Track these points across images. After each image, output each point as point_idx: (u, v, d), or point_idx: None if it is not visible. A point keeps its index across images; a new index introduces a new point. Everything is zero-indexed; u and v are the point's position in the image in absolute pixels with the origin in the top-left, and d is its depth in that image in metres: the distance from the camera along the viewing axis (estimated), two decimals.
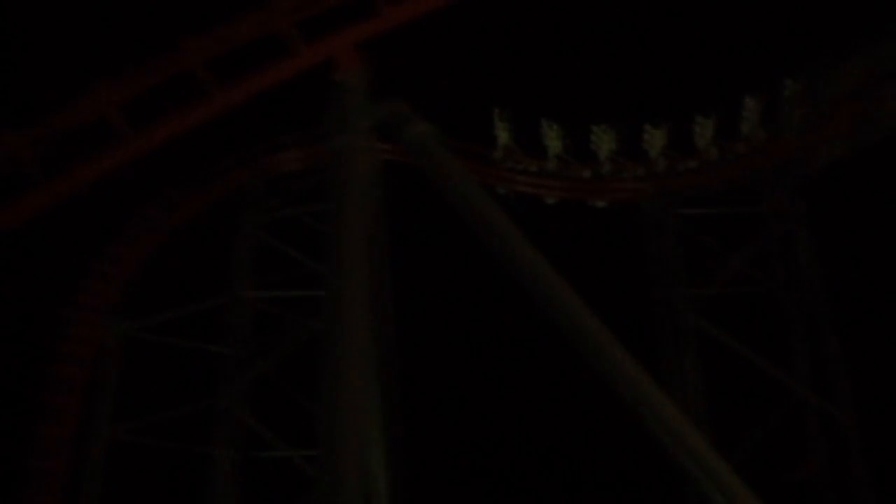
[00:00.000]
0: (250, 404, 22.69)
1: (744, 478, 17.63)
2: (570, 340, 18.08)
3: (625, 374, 17.99)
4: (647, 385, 18.06)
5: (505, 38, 27.98)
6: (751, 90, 24.42)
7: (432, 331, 25.25)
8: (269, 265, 23.51)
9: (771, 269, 24.34)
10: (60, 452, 22.07)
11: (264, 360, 22.66)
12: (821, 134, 23.92)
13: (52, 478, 21.93)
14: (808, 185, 24.76)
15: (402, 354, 22.46)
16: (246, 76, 19.18)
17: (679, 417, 18.19)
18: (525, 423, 25.85)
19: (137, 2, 25.82)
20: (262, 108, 20.83)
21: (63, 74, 24.16)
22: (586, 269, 20.93)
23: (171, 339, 22.97)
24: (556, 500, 25.24)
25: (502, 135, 24.82)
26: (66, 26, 26.47)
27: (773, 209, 24.59)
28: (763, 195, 24.67)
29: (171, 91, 19.24)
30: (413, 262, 23.66)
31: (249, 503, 22.38)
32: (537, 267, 18.44)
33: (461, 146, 22.82)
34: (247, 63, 19.68)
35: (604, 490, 25.05)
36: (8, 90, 24.50)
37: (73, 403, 22.04)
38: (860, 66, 23.48)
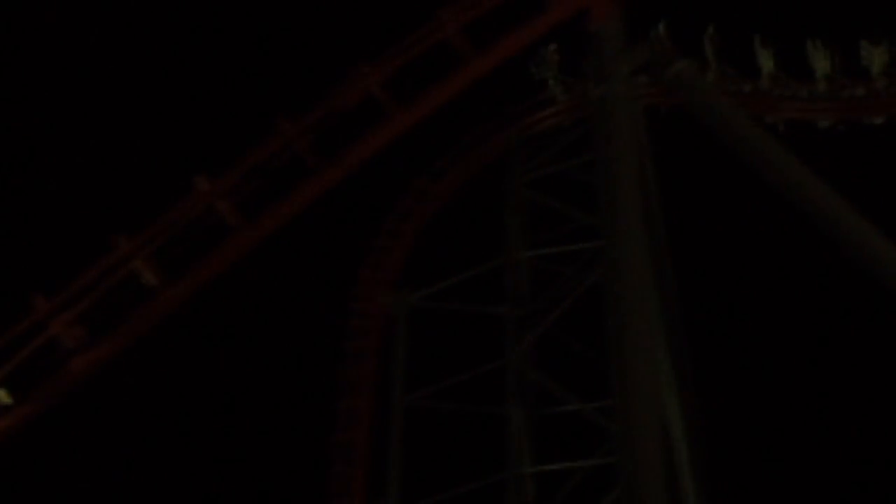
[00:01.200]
0: (537, 361, 22.87)
1: None
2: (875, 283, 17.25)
3: None
4: None
5: None
6: None
7: (710, 277, 24.96)
8: (541, 222, 23.61)
9: None
10: (361, 424, 22.92)
11: (546, 317, 22.78)
12: None
13: (357, 449, 22.83)
14: None
15: (683, 300, 22.36)
16: (501, 38, 19.31)
17: None
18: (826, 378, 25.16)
19: None
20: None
21: (321, 61, 24.80)
22: (872, 198, 20.16)
23: (453, 305, 23.45)
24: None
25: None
26: (318, 19, 27.18)
27: None
28: None
29: (428, 63, 19.57)
30: (685, 208, 23.41)
31: (545, 460, 22.57)
32: (826, 198, 17.77)
33: (725, 79, 22.41)
34: (497, 26, 19.80)
35: None
36: (273, 80, 25.43)
37: (368, 376, 22.84)
38: None
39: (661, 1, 22.46)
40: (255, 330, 26.14)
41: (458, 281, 23.39)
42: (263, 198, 19.27)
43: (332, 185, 19.23)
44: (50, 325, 17.92)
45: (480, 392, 23.19)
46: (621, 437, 21.15)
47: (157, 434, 25.58)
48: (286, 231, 19.46)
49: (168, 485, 25.26)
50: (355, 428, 23.11)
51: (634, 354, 18.59)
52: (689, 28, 22.07)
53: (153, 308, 18.62)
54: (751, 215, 25.14)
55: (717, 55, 23.21)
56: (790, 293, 25.75)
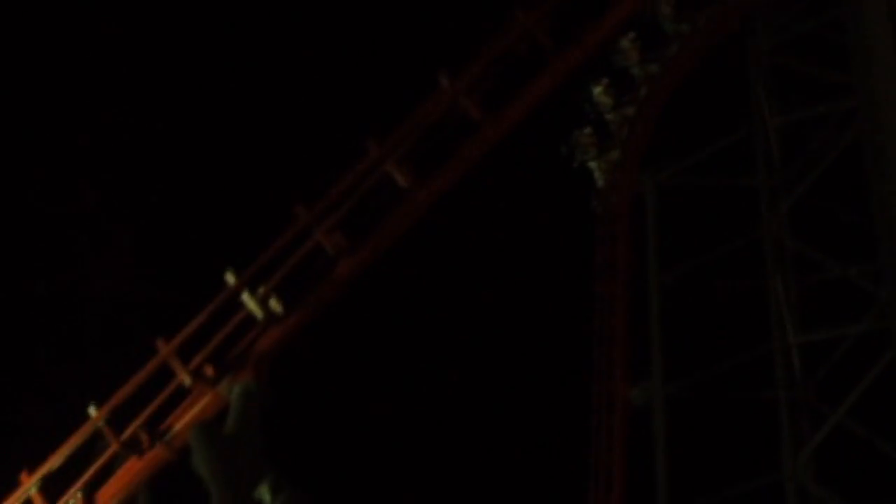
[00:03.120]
0: (795, 230, 22.30)
1: None
2: None
3: None
4: None
5: None
6: None
7: None
8: (787, 86, 22.83)
9: None
10: (617, 309, 23.00)
11: (801, 183, 22.12)
12: None
13: (615, 333, 22.93)
14: None
15: None
16: None
17: None
18: None
19: None
20: None
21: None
22: None
23: (703, 179, 23.06)
24: None
25: None
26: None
27: None
28: None
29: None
30: None
31: (810, 330, 22.12)
32: None
33: None
34: None
35: None
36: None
37: (622, 256, 22.86)
38: None
39: None
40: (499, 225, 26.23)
41: (707, 154, 22.99)
42: (504, 91, 19.27)
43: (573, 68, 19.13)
44: (313, 232, 18.46)
45: (737, 266, 22.86)
46: (890, 300, 20.62)
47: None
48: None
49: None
50: (612, 312, 23.20)
51: None
52: None
53: (407, 210, 18.94)
54: None
55: None
56: None
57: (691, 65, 22.81)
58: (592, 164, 23.33)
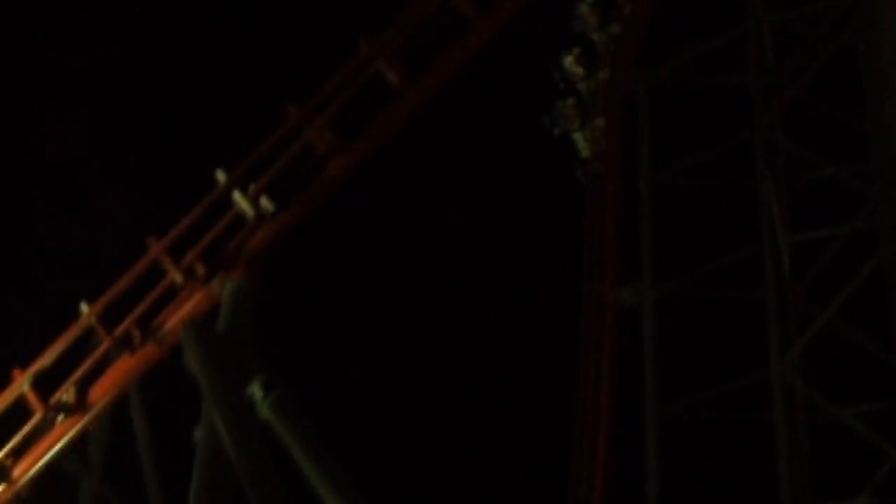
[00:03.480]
0: (787, 129, 22.23)
1: None
2: None
3: None
4: None
5: None
6: None
7: None
8: None
9: None
10: (608, 207, 23.08)
11: (795, 82, 21.99)
12: None
13: (605, 231, 23.05)
14: None
15: None
16: None
17: None
18: None
19: None
20: None
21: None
22: None
23: (694, 77, 22.93)
24: None
25: None
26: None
27: None
28: None
29: None
30: None
31: (801, 230, 22.18)
32: None
33: None
34: None
35: None
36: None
37: (615, 152, 22.90)
38: None
39: None
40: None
41: (698, 54, 22.82)
42: None
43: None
44: (304, 130, 18.33)
45: (729, 165, 22.82)
46: (882, 199, 20.66)
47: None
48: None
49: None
50: (602, 211, 23.25)
51: (893, 112, 17.92)
52: None
53: (398, 108, 18.78)
54: None
55: None
56: None
57: None
58: (576, 136, 23.31)
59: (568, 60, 22.67)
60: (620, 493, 22.46)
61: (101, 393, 18.78)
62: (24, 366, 18.79)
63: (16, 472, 18.68)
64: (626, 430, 22.55)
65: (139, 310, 18.53)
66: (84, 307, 18.54)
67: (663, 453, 21.91)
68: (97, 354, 18.59)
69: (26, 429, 18.61)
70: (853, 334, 21.09)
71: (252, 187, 18.25)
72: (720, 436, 23.70)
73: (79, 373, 18.63)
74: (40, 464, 18.74)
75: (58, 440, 18.75)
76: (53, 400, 18.56)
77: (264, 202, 18.35)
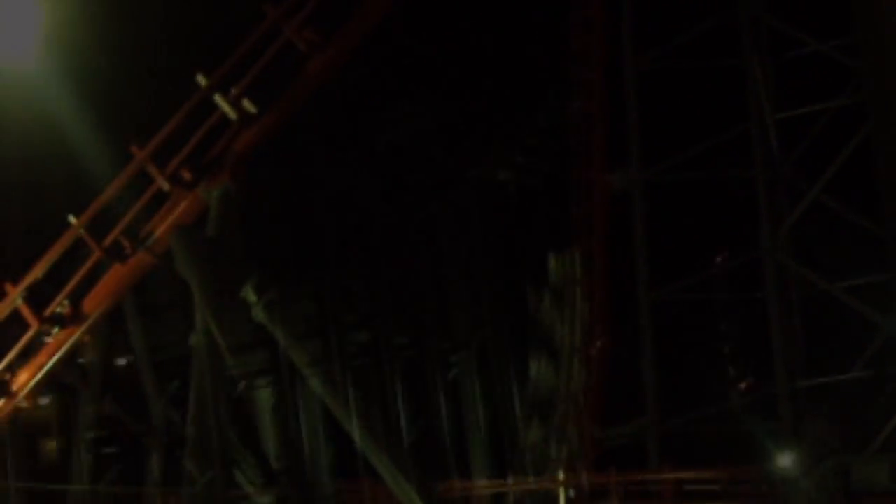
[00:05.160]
0: (771, 8, 21.98)
1: None
2: None
3: None
4: None
5: None
6: None
7: None
8: None
9: None
10: (595, 94, 22.95)
11: None
12: None
13: (593, 118, 22.94)
14: None
15: None
16: None
17: None
18: None
19: None
20: None
21: None
22: None
23: None
24: None
25: None
26: None
27: None
28: None
29: None
30: None
31: (789, 107, 22.06)
32: None
33: None
34: None
35: None
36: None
37: (597, 45, 22.74)
38: None
39: None
40: None
41: None
42: None
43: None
44: (283, 30, 18.09)
45: (714, 47, 22.59)
46: (867, 72, 20.52)
47: None
48: None
49: None
50: (590, 98, 23.09)
51: None
52: None
53: (376, 3, 18.55)
54: None
55: None
56: None
57: None
58: None
59: None
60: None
61: (95, 304, 18.85)
62: (15, 280, 18.89)
63: (14, 386, 18.81)
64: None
65: (127, 219, 18.52)
66: (72, 219, 18.49)
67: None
68: (88, 266, 18.63)
69: (22, 342, 18.74)
70: (841, 209, 21.15)
71: (234, 90, 18.10)
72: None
73: (71, 285, 18.68)
74: (38, 377, 18.85)
75: (54, 353, 18.88)
76: (48, 313, 18.64)
77: (246, 104, 18.20)
